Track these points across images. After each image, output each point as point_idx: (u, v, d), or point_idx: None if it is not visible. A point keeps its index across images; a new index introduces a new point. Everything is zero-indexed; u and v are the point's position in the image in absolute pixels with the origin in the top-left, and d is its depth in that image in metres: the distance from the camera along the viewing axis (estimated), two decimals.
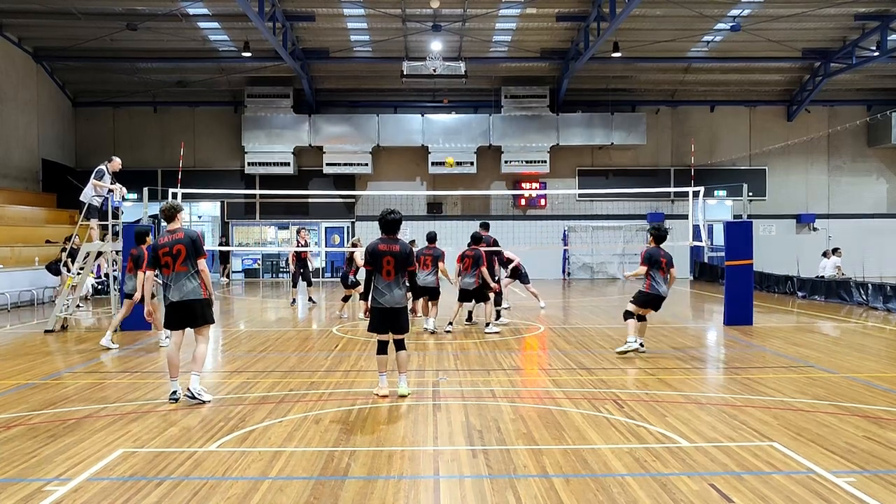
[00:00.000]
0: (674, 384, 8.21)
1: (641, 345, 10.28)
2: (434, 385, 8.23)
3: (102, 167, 13.36)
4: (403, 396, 7.53)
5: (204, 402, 7.29)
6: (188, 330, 7.53)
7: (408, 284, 7.76)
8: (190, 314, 7.41)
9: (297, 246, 17.69)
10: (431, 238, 12.76)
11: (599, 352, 10.50)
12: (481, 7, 21.61)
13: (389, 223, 7.74)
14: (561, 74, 26.21)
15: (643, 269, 10.06)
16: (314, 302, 18.12)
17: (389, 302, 7.58)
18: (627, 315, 10.27)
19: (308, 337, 12.33)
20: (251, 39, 22.71)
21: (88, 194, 13.34)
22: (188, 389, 7.32)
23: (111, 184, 13.41)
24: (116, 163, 13.67)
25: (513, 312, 15.62)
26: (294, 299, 18.03)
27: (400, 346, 7.72)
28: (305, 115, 27.06)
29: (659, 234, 10.29)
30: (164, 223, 7.75)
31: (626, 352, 10.07)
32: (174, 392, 7.37)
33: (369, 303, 7.75)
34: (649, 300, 10.11)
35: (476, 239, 12.84)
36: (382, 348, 7.68)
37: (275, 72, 25.94)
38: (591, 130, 27.17)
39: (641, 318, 10.36)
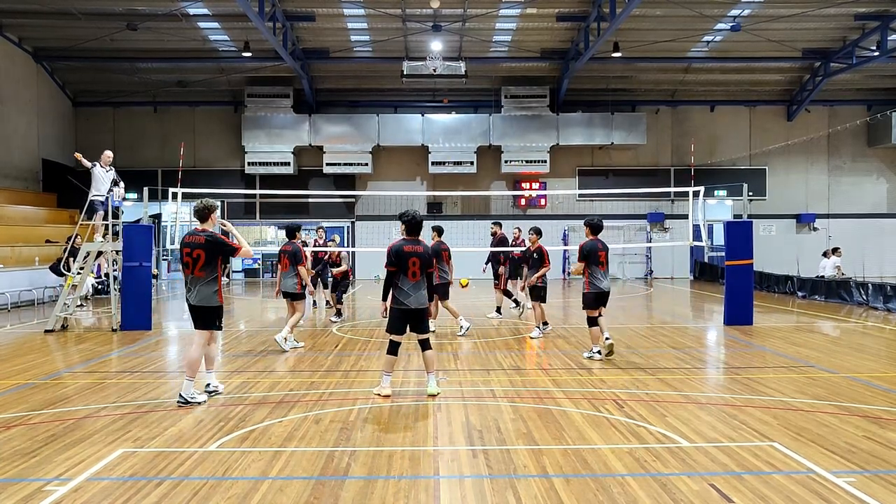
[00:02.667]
0: (674, 384, 8.21)
1: (599, 352, 9.74)
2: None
3: (95, 165, 13.59)
4: (433, 395, 7.56)
5: (199, 403, 7.28)
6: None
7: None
8: (201, 315, 7.47)
9: (314, 245, 16.62)
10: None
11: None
12: (481, 7, 21.61)
13: (419, 223, 7.73)
14: (561, 74, 26.21)
15: (580, 265, 9.64)
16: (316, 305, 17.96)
17: (415, 303, 7.57)
18: (591, 322, 9.73)
19: (308, 337, 12.33)
20: (251, 39, 22.72)
21: (92, 192, 13.53)
22: (180, 395, 7.32)
23: (112, 180, 13.57)
24: (106, 155, 13.82)
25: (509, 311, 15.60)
26: (315, 301, 17.11)
27: (426, 345, 7.76)
28: (305, 115, 27.06)
29: (595, 225, 9.79)
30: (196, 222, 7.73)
31: (591, 357, 9.71)
32: (208, 385, 7.70)
33: (390, 303, 7.68)
34: (593, 298, 9.55)
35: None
36: (395, 349, 7.67)
37: (275, 72, 25.94)
38: (591, 130, 27.17)
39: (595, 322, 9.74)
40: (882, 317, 15.07)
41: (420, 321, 7.66)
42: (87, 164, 13.52)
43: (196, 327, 7.50)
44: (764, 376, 8.66)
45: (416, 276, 7.53)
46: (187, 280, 7.43)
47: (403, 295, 7.55)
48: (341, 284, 14.87)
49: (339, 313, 14.65)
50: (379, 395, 7.56)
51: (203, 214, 7.59)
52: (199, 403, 7.25)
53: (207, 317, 7.45)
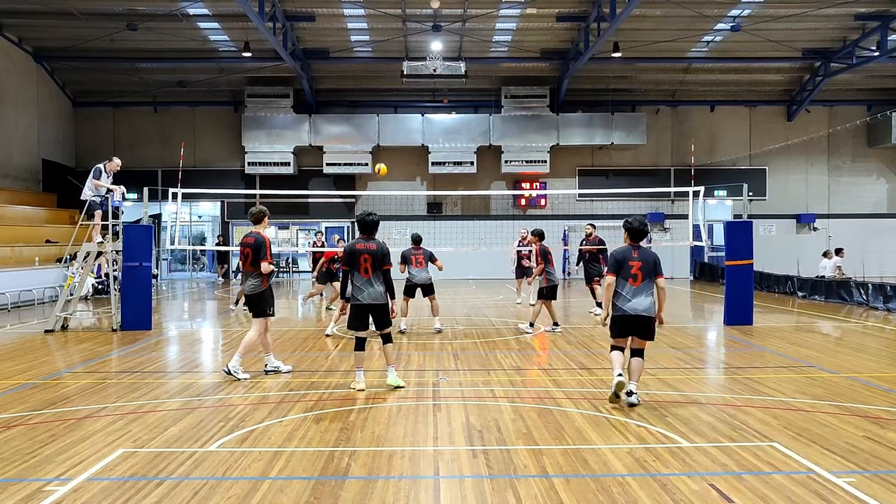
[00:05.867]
0: (674, 384, 8.20)
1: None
2: (434, 385, 8.23)
3: (100, 166, 13.39)
4: (395, 387, 7.96)
5: (239, 379, 8.41)
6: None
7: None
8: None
9: (313, 247, 17.85)
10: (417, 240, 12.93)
11: (599, 352, 10.50)
12: (481, 7, 21.60)
13: (370, 224, 8.23)
14: (561, 74, 26.21)
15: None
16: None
17: (368, 298, 7.98)
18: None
19: (308, 337, 12.33)
20: (251, 39, 22.71)
21: (88, 193, 13.37)
22: (226, 366, 8.58)
23: (110, 184, 13.42)
24: (115, 163, 13.65)
25: (507, 310, 15.60)
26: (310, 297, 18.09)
27: (385, 339, 8.20)
28: (305, 115, 27.05)
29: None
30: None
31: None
32: (266, 364, 8.88)
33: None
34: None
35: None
36: (360, 345, 8.12)
37: (275, 72, 25.94)
38: (591, 130, 27.16)
39: None
40: (882, 317, 15.06)
41: (377, 316, 8.02)
42: (101, 183, 13.31)
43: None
44: (764, 376, 8.66)
45: (368, 272, 7.91)
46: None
47: (357, 291, 7.93)
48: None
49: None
50: (354, 388, 7.90)
51: (258, 218, 8.85)
52: (239, 380, 8.49)
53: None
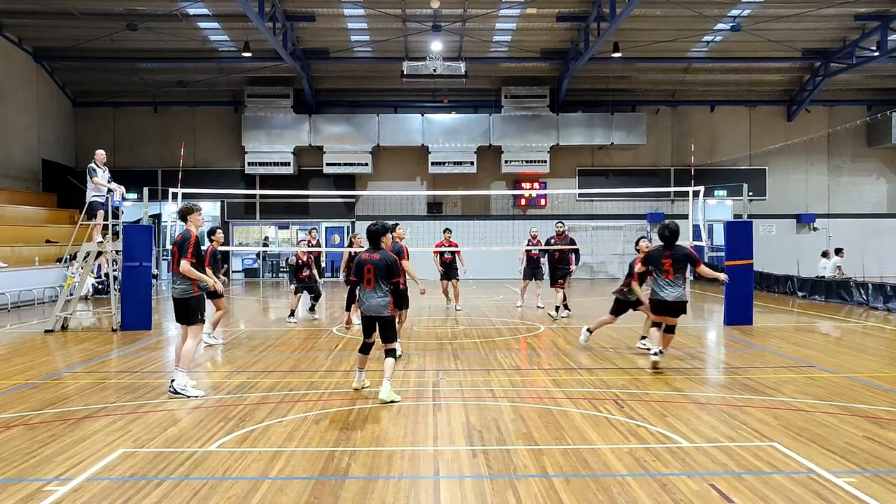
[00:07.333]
0: (674, 384, 8.21)
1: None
2: (434, 385, 8.23)
3: (91, 165, 13.50)
4: (384, 402, 7.31)
5: (189, 397, 7.51)
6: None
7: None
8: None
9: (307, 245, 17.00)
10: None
11: (599, 352, 10.50)
12: (481, 7, 21.60)
13: (374, 233, 7.75)
14: (561, 74, 26.21)
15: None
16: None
17: (367, 310, 7.78)
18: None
19: (308, 337, 12.34)
20: (251, 39, 22.71)
21: (91, 195, 13.44)
22: (171, 387, 7.65)
23: (108, 181, 13.47)
24: (100, 154, 13.70)
25: (508, 311, 15.59)
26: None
27: (386, 353, 7.73)
28: (305, 115, 27.05)
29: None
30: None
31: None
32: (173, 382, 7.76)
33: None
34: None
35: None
36: (362, 348, 7.98)
37: (275, 72, 25.93)
38: (591, 130, 27.16)
39: None
40: (882, 317, 15.06)
41: (380, 329, 7.63)
42: (99, 179, 13.37)
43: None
44: (764, 376, 8.66)
45: (371, 283, 7.56)
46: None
47: (360, 301, 7.72)
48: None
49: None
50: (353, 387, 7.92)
51: (182, 217, 8.47)
52: (189, 398, 7.59)
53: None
